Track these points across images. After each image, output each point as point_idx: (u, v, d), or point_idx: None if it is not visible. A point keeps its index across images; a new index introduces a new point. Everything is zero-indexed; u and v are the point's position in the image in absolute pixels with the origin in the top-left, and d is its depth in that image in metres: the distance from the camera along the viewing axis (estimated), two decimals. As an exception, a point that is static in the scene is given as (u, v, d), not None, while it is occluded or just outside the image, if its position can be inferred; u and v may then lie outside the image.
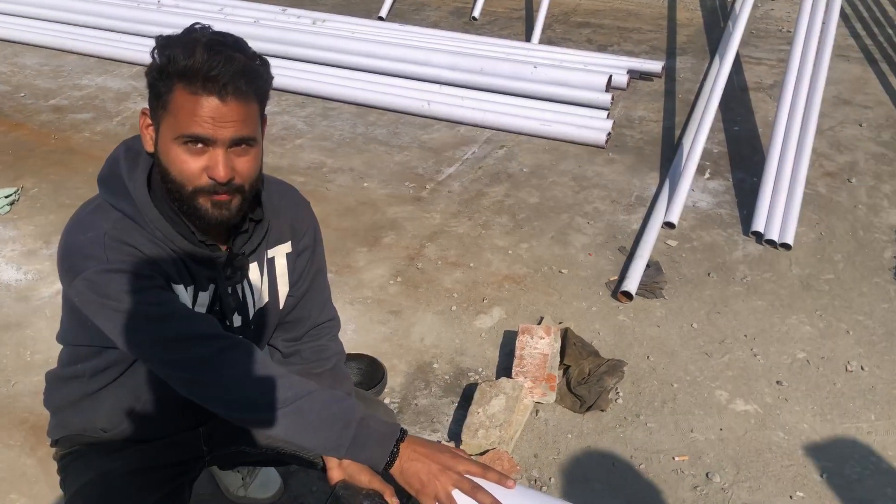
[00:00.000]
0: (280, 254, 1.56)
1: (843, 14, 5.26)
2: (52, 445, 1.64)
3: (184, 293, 1.40)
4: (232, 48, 1.26)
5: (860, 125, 4.00)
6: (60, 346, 1.58)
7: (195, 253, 1.39)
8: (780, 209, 3.20)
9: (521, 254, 3.09)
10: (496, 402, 2.25)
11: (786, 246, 3.08)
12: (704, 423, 2.31)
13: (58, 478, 1.60)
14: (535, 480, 2.14)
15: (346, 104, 4.39)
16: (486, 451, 2.15)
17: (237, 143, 1.28)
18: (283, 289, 1.59)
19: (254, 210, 1.45)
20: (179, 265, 1.38)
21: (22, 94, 4.53)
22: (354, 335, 2.66)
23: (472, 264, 3.03)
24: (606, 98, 4.05)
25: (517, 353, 2.43)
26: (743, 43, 4.81)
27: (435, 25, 5.31)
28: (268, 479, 2.08)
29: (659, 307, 2.78)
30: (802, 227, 3.18)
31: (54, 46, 5.14)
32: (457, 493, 1.27)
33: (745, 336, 2.65)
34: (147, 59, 1.29)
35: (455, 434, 2.27)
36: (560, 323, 2.70)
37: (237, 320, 1.51)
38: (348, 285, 2.91)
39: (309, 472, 2.08)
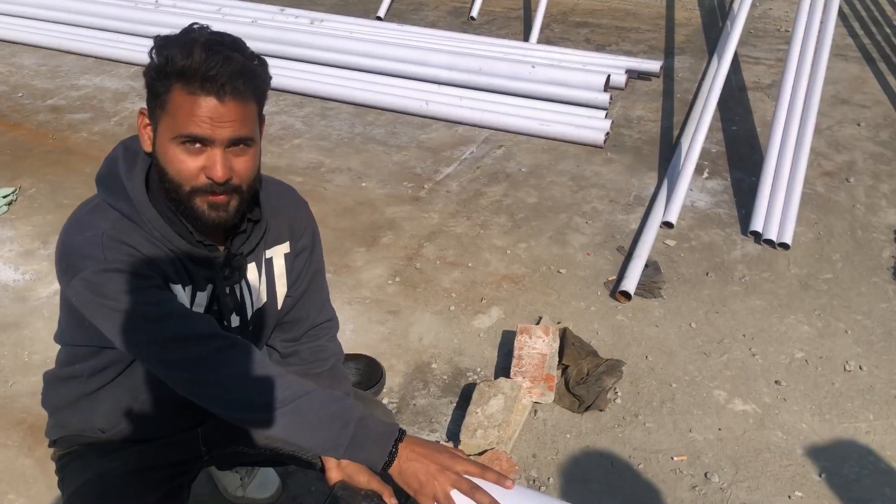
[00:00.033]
0: (278, 254, 1.56)
1: (841, 13, 5.26)
2: (50, 446, 1.64)
3: (182, 293, 1.39)
4: (230, 48, 1.25)
5: (858, 124, 4.00)
6: (58, 347, 1.58)
7: (193, 253, 1.38)
8: (778, 209, 3.20)
9: (520, 254, 3.09)
10: (495, 402, 2.25)
11: (784, 245, 3.08)
12: (703, 423, 2.31)
13: (56, 478, 1.60)
14: (534, 480, 2.14)
15: (344, 104, 4.39)
16: (485, 451, 2.15)
17: (235, 143, 1.28)
18: (282, 289, 1.59)
19: (252, 210, 1.45)
20: (177, 265, 1.38)
21: (20, 95, 4.52)
22: (353, 335, 2.66)
23: (470, 264, 3.03)
24: (605, 98, 4.05)
25: (516, 353, 2.43)
26: (741, 42, 4.81)
27: (433, 25, 5.30)
28: (266, 480, 2.07)
29: (657, 307, 2.78)
30: (801, 227, 3.18)
31: (52, 46, 5.14)
32: (455, 494, 1.27)
33: (744, 336, 2.65)
34: (145, 60, 1.29)
35: (453, 434, 2.27)
36: (558, 323, 2.70)
37: (235, 320, 1.51)
38: (346, 285, 2.91)
39: (307, 472, 2.08)
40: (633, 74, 4.52)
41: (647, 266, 2.93)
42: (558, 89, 4.12)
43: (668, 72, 4.65)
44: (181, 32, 1.27)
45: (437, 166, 3.75)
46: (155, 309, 1.31)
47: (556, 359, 2.48)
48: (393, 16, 5.52)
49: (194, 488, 1.69)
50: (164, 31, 1.30)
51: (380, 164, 3.79)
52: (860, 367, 2.51)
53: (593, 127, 3.93)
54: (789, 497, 2.08)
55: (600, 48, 4.99)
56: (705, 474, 2.15)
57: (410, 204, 3.44)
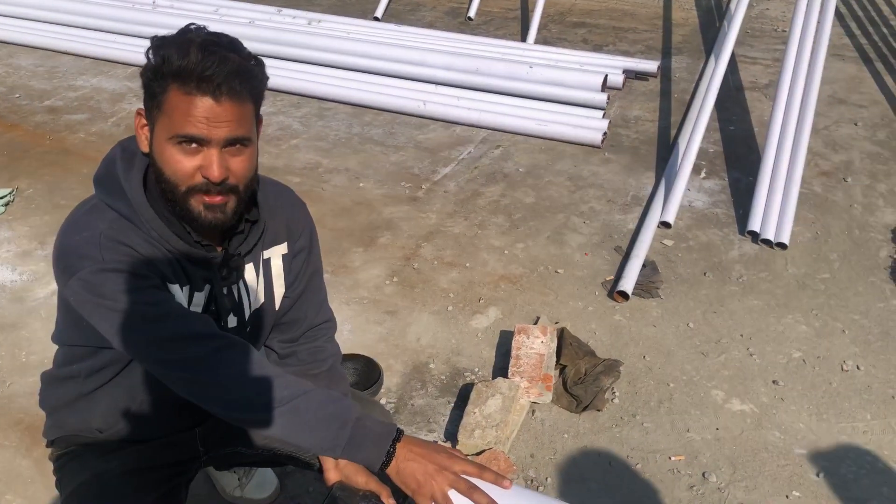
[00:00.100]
0: (276, 255, 1.56)
1: (837, 13, 5.27)
2: (47, 446, 1.64)
3: (179, 293, 1.40)
4: (226, 48, 1.26)
5: (855, 124, 4.01)
6: (56, 347, 1.58)
7: (191, 253, 1.39)
8: (775, 208, 3.21)
9: (518, 254, 3.09)
10: (492, 402, 2.25)
11: (781, 245, 3.08)
12: (701, 423, 2.32)
13: (53, 478, 1.60)
14: (532, 480, 2.14)
15: (341, 104, 4.39)
16: (483, 451, 2.15)
17: (231, 143, 1.28)
18: (279, 290, 1.59)
19: (249, 211, 1.45)
20: (175, 265, 1.38)
21: (17, 95, 4.52)
22: (351, 335, 2.66)
23: (468, 264, 3.03)
24: (602, 98, 4.05)
25: (513, 353, 2.43)
26: (738, 42, 4.82)
27: (430, 26, 5.30)
28: (264, 480, 2.07)
29: (655, 307, 2.79)
30: (798, 227, 3.18)
31: (49, 47, 5.13)
32: (453, 494, 1.27)
33: (742, 335, 2.65)
34: (142, 60, 1.29)
35: (451, 434, 2.27)
36: (556, 323, 2.70)
37: (233, 321, 1.51)
38: (344, 285, 2.91)
39: (305, 472, 2.08)
40: (631, 74, 4.52)
41: (644, 266, 2.94)
42: (556, 89, 4.12)
43: (665, 72, 4.66)
44: (178, 33, 1.27)
45: (434, 166, 3.75)
46: (153, 309, 1.31)
47: (554, 359, 2.48)
48: (390, 16, 5.52)
49: (192, 488, 1.69)
50: (162, 32, 1.30)
51: (377, 164, 3.79)
52: (857, 367, 2.51)
53: (591, 127, 3.93)
54: (787, 497, 2.08)
55: (598, 48, 4.99)
56: (703, 474, 2.15)
57: (408, 204, 3.44)
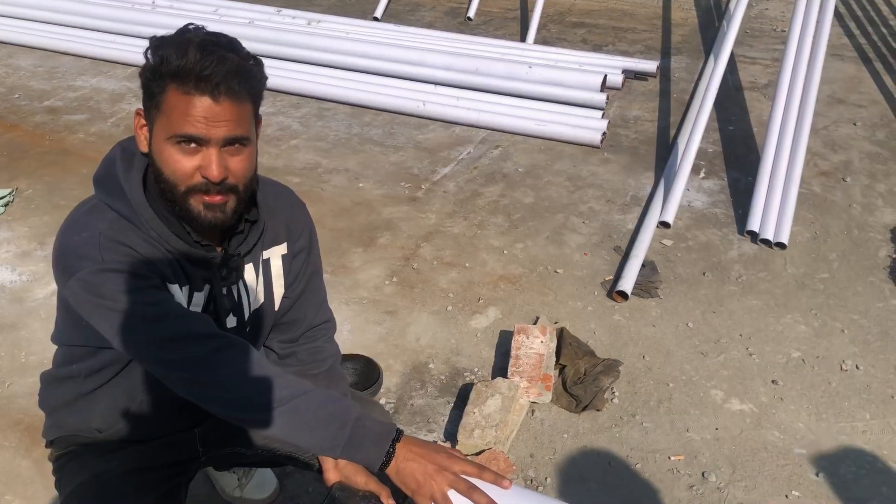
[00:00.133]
0: (275, 255, 1.56)
1: (837, 13, 5.27)
2: (47, 446, 1.64)
3: (179, 293, 1.40)
4: (225, 48, 1.26)
5: (854, 124, 4.01)
6: (55, 348, 1.58)
7: (190, 253, 1.39)
8: (774, 208, 3.21)
9: (517, 254, 3.09)
10: (492, 402, 2.25)
11: (781, 245, 3.08)
12: (700, 423, 2.32)
13: (53, 479, 1.60)
14: (531, 480, 2.14)
15: (341, 105, 4.39)
16: (482, 451, 2.15)
17: (230, 142, 1.28)
18: (279, 290, 1.59)
19: (249, 211, 1.45)
20: (175, 265, 1.38)
21: (16, 96, 4.52)
22: (350, 335, 2.66)
23: (467, 264, 3.03)
24: (601, 98, 4.05)
25: (513, 353, 2.43)
26: (737, 42, 4.82)
27: (430, 26, 5.30)
28: (264, 480, 2.07)
29: (654, 307, 2.79)
30: (797, 227, 3.18)
31: (49, 48, 5.13)
32: (453, 494, 1.27)
33: (741, 335, 2.65)
34: (141, 61, 1.29)
35: (451, 434, 2.27)
36: (556, 323, 2.70)
37: (232, 321, 1.51)
38: (344, 286, 2.91)
39: (305, 473, 2.08)
40: (630, 74, 4.53)
41: (643, 266, 2.94)
42: (555, 89, 4.12)
43: (664, 72, 4.66)
44: (176, 33, 1.27)
45: (434, 167, 3.75)
46: (152, 309, 1.31)
47: (554, 359, 2.48)
48: (390, 16, 5.52)
49: (192, 489, 1.69)
50: (161, 32, 1.30)
51: (377, 164, 3.79)
52: (857, 367, 2.51)
53: (590, 127, 3.93)
54: (786, 496, 2.08)
55: (597, 48, 4.99)
56: (702, 474, 2.15)
57: (407, 204, 3.44)
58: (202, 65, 1.21)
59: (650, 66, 4.53)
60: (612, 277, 2.94)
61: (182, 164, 1.28)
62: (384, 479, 1.36)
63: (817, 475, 2.15)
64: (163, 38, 1.27)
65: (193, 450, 1.63)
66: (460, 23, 5.48)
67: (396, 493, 1.36)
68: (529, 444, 2.25)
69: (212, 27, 1.31)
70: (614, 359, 2.51)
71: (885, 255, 3.04)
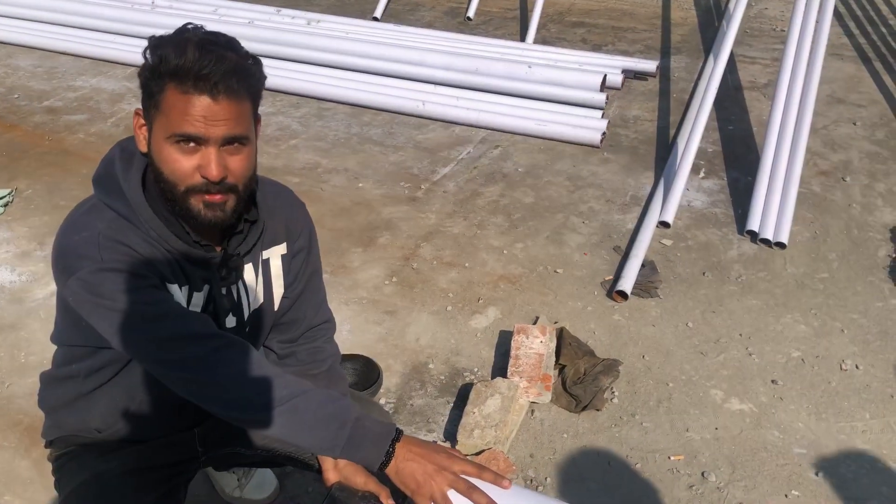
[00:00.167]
0: (275, 255, 1.56)
1: (836, 13, 5.27)
2: (46, 446, 1.64)
3: (178, 293, 1.39)
4: (224, 47, 1.25)
5: (854, 124, 4.01)
6: (55, 348, 1.58)
7: (190, 253, 1.38)
8: (774, 208, 3.21)
9: (517, 254, 3.09)
10: (492, 402, 2.25)
11: (780, 245, 3.08)
12: (700, 423, 2.32)
13: (52, 479, 1.60)
14: (531, 480, 2.14)
15: (340, 104, 4.39)
16: (482, 451, 2.15)
17: (229, 141, 1.28)
18: (278, 290, 1.59)
19: (248, 210, 1.45)
20: (174, 265, 1.38)
21: (16, 96, 4.52)
22: (350, 335, 2.66)
23: (467, 264, 3.03)
24: (601, 98, 4.05)
25: (513, 352, 2.43)
26: (737, 42, 4.82)
27: (429, 26, 5.30)
28: (263, 480, 2.07)
29: (654, 306, 2.79)
30: (797, 226, 3.18)
31: (48, 48, 5.13)
32: (452, 494, 1.27)
33: (740, 335, 2.65)
34: (141, 61, 1.29)
35: (451, 434, 2.27)
36: (555, 323, 2.70)
37: (232, 321, 1.51)
38: (343, 286, 2.91)
39: (305, 473, 2.08)
40: (630, 74, 4.53)
41: (643, 266, 2.94)
42: (555, 89, 4.12)
43: (664, 71, 4.66)
44: (175, 32, 1.27)
45: (433, 167, 3.75)
46: (152, 308, 1.31)
47: (553, 359, 2.48)
48: (389, 16, 5.52)
49: (192, 489, 1.69)
50: (161, 33, 1.30)
51: (376, 164, 3.79)
52: (856, 367, 2.51)
53: (590, 127, 3.93)
54: (786, 496, 2.08)
55: (597, 48, 4.99)
56: (702, 473, 2.15)
57: (407, 204, 3.44)
58: (201, 64, 1.21)
59: (650, 65, 4.53)
60: (611, 277, 2.94)
61: (181, 164, 1.28)
62: (384, 479, 1.36)
63: (817, 475, 2.15)
64: (161, 37, 1.27)
65: (193, 450, 1.63)
66: (460, 22, 5.48)
67: (396, 493, 1.36)
68: (529, 444, 2.25)
69: (211, 27, 1.30)
70: (614, 359, 2.51)
71: (885, 254, 3.04)
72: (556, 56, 4.58)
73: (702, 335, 2.66)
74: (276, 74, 4.43)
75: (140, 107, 1.33)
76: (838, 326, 2.69)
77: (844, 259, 3.03)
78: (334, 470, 1.47)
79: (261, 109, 1.37)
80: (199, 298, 1.43)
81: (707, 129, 3.74)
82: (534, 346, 2.44)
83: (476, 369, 2.53)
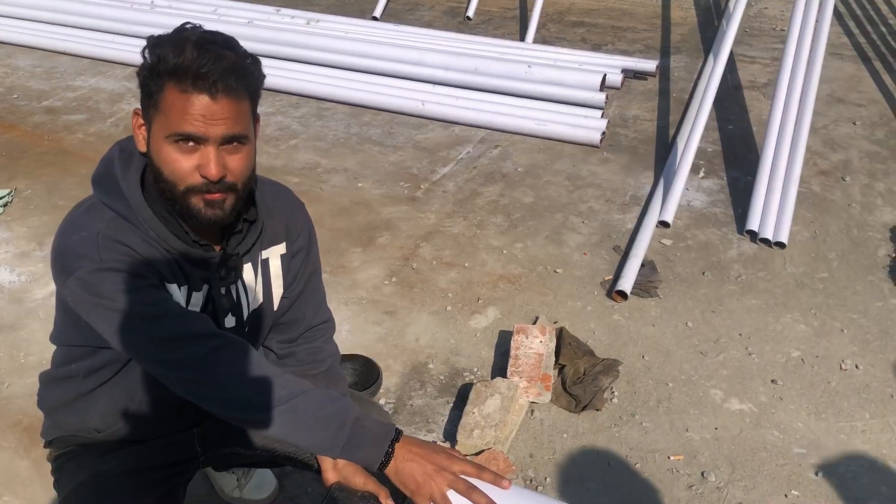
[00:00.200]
0: (274, 255, 1.56)
1: (836, 12, 5.27)
2: (45, 446, 1.64)
3: (177, 293, 1.39)
4: (222, 46, 1.25)
5: (854, 123, 4.01)
6: (54, 348, 1.58)
7: (189, 253, 1.38)
8: (774, 208, 3.21)
9: (516, 253, 3.09)
10: (491, 402, 2.25)
11: (780, 245, 3.08)
12: (699, 423, 2.32)
13: (52, 479, 1.60)
14: (531, 480, 2.14)
15: (340, 104, 4.39)
16: (482, 451, 2.14)
17: (229, 140, 1.28)
18: (278, 290, 1.59)
19: (248, 210, 1.45)
20: (173, 265, 1.38)
21: (15, 96, 4.51)
22: (349, 336, 2.65)
23: (466, 264, 3.03)
24: (601, 97, 4.05)
25: (512, 352, 2.43)
26: (737, 41, 4.82)
27: (429, 25, 5.30)
28: (263, 481, 2.07)
29: (654, 306, 2.79)
30: (797, 226, 3.18)
31: (47, 48, 5.13)
32: (452, 494, 1.27)
33: (740, 335, 2.65)
34: (140, 60, 1.29)
35: (450, 434, 2.26)
36: (555, 322, 2.70)
37: (231, 321, 1.51)
38: (343, 286, 2.91)
39: (304, 473, 2.07)
40: (630, 74, 4.53)
41: (643, 265, 2.93)
42: (554, 89, 4.11)
43: (664, 71, 4.66)
44: (173, 31, 1.27)
45: (433, 166, 3.75)
46: (151, 308, 1.30)
47: (553, 358, 2.48)
48: (389, 16, 5.52)
49: (191, 489, 1.69)
50: (160, 32, 1.29)
51: (376, 164, 3.78)
52: (856, 366, 2.51)
53: (589, 126, 3.93)
54: (786, 496, 2.08)
55: (596, 48, 4.99)
56: (702, 473, 2.15)
57: (407, 204, 3.44)
58: (199, 62, 1.21)
59: (649, 65, 4.53)
60: (611, 277, 2.94)
61: (181, 164, 1.27)
62: (383, 479, 1.36)
63: (817, 474, 2.14)
64: (160, 37, 1.27)
65: (192, 450, 1.63)
66: (459, 22, 5.48)
67: (395, 493, 1.36)
68: (529, 444, 2.25)
69: (211, 27, 1.30)
70: (614, 358, 2.51)
71: (885, 254, 3.04)
72: (556, 56, 4.58)
73: (701, 335, 2.66)
74: (275, 74, 4.43)
75: (139, 106, 1.33)
76: (838, 326, 2.69)
77: (844, 259, 3.03)
78: (333, 470, 1.47)
79: (260, 109, 1.37)
80: (198, 298, 1.43)
81: (707, 128, 3.74)
82: (533, 346, 2.44)
83: (476, 369, 2.53)
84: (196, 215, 1.32)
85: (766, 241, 3.11)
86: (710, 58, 4.61)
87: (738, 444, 2.24)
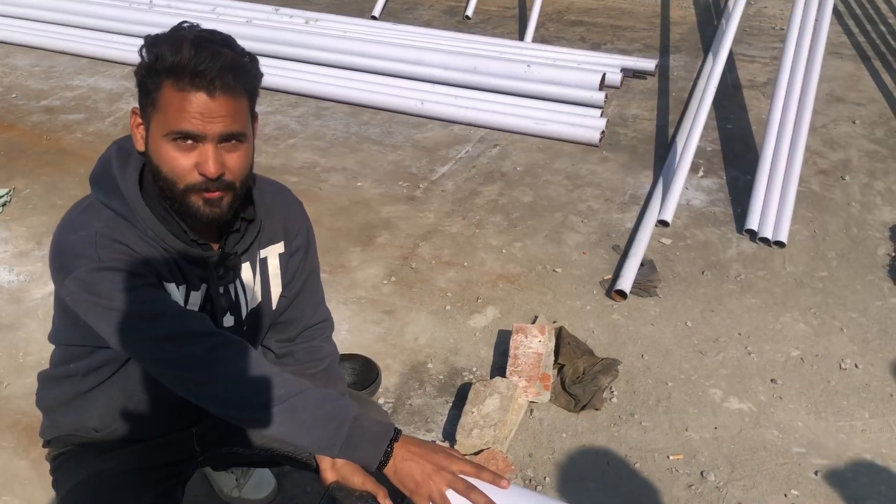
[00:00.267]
0: (273, 254, 1.55)
1: (835, 11, 5.27)
2: (44, 446, 1.63)
3: (176, 292, 1.39)
4: (219, 44, 1.25)
5: (853, 122, 4.01)
6: (53, 347, 1.58)
7: (187, 252, 1.38)
8: (773, 207, 3.21)
9: (515, 253, 3.09)
10: (490, 401, 2.24)
11: (779, 244, 3.08)
12: (699, 422, 2.31)
13: (51, 479, 1.60)
14: (530, 480, 2.14)
15: (339, 104, 4.38)
16: (481, 450, 2.14)
17: (227, 138, 1.28)
18: (276, 289, 1.58)
19: (246, 209, 1.45)
20: (171, 264, 1.38)
21: (14, 95, 4.51)
22: (348, 335, 2.65)
23: (465, 263, 3.02)
24: (600, 96, 4.05)
25: (511, 352, 2.43)
26: (736, 41, 4.81)
27: (428, 24, 5.30)
28: (262, 480, 2.07)
29: (653, 306, 2.78)
30: (796, 225, 3.18)
31: (46, 47, 5.13)
32: (451, 494, 1.27)
33: (740, 334, 2.65)
34: (139, 60, 1.28)
35: (449, 434, 2.26)
36: (554, 322, 2.70)
37: (229, 320, 1.51)
38: (342, 285, 2.90)
39: (303, 473, 2.07)
40: (629, 73, 4.53)
41: (642, 265, 2.93)
42: (553, 88, 4.11)
43: (663, 70, 4.65)
44: (170, 30, 1.27)
45: (432, 166, 3.75)
46: (149, 307, 1.30)
47: (552, 358, 2.48)
48: (388, 15, 5.52)
49: (190, 489, 1.69)
50: (158, 31, 1.29)
51: (375, 163, 3.78)
52: (856, 366, 2.51)
53: (589, 126, 3.93)
54: (785, 495, 2.08)
55: (595, 47, 4.99)
56: (701, 473, 2.14)
57: (406, 203, 3.44)
58: (197, 60, 1.21)
59: (649, 64, 4.53)
60: (610, 276, 2.94)
61: (179, 162, 1.27)
62: (382, 478, 1.35)
63: (816, 474, 2.14)
64: (157, 36, 1.26)
65: (191, 449, 1.63)
66: (458, 21, 5.48)
67: (394, 492, 1.36)
68: (528, 444, 2.25)
69: (209, 26, 1.30)
70: (613, 358, 2.51)
71: (884, 253, 3.04)
72: (555, 55, 4.57)
73: (701, 334, 2.65)
74: (274, 73, 4.43)
75: (137, 106, 1.33)
76: (837, 325, 2.68)
77: (844, 258, 3.02)
78: (332, 469, 1.47)
79: (259, 109, 1.37)
80: (196, 297, 1.43)
81: (706, 127, 3.74)
82: (532, 346, 2.44)
83: (475, 369, 2.52)
84: (195, 213, 1.32)
85: (765, 241, 3.11)
86: (710, 57, 4.61)
87: (738, 444, 2.24)
